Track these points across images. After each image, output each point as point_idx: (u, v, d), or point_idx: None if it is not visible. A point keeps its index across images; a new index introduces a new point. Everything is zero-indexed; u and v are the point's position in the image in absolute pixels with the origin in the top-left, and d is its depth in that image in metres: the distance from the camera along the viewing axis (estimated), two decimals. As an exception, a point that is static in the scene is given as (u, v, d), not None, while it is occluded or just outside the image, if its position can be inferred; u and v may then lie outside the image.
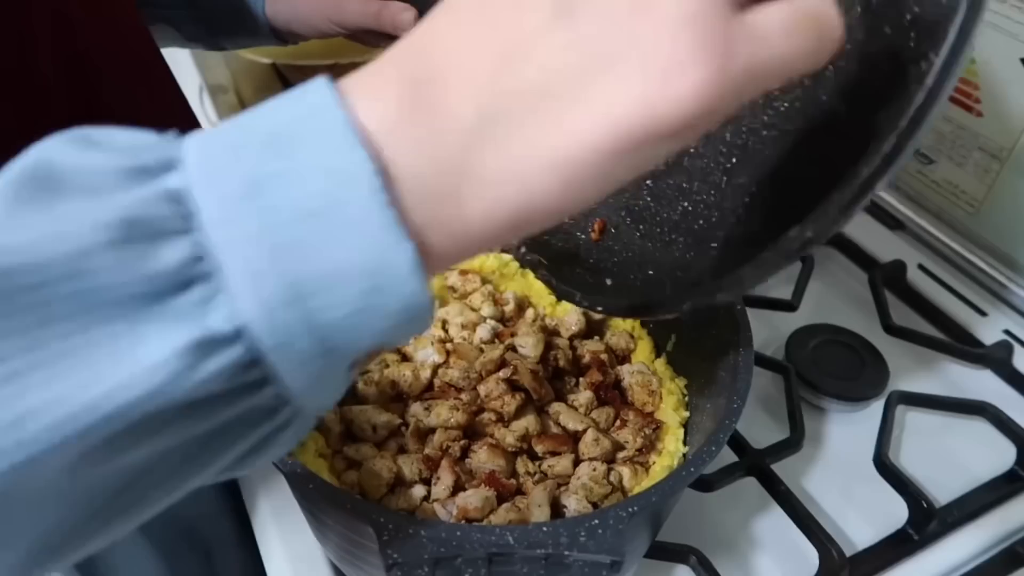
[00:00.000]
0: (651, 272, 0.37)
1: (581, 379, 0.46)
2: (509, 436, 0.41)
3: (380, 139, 0.19)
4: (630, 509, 0.31)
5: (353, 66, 0.77)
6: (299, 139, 0.19)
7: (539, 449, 0.42)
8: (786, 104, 0.33)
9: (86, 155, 0.19)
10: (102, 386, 0.18)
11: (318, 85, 0.20)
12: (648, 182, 0.39)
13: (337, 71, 0.71)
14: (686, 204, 0.37)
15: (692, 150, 0.37)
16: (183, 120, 0.47)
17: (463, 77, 0.19)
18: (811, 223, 0.25)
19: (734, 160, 0.35)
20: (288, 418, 0.21)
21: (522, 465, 0.41)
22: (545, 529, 0.30)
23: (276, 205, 0.18)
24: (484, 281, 0.51)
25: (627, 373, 0.46)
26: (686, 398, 0.46)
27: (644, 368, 0.46)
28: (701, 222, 0.36)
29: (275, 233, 0.18)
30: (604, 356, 0.47)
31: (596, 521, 0.30)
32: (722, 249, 0.34)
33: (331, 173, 0.19)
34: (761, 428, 0.52)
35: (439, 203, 0.20)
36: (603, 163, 0.19)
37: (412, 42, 0.21)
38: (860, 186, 0.24)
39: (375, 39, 0.60)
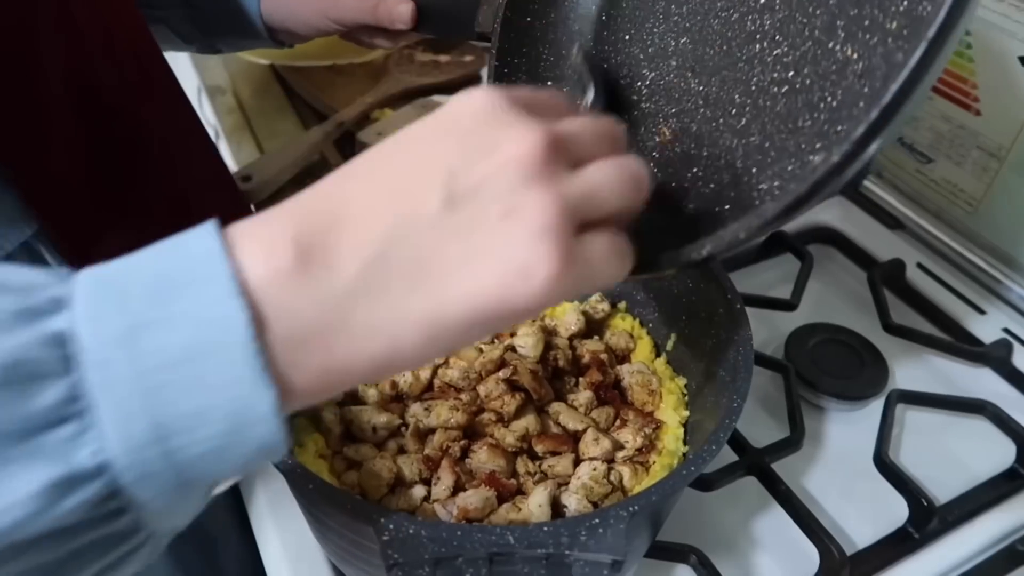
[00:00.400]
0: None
1: (581, 379, 0.46)
2: (509, 436, 0.41)
3: (261, 289, 0.21)
4: (631, 508, 0.31)
5: (351, 67, 0.77)
6: (182, 286, 0.21)
7: (539, 449, 0.42)
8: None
9: None
10: None
11: (208, 233, 0.22)
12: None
13: (334, 72, 0.72)
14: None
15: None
16: (185, 120, 0.47)
17: (353, 241, 0.22)
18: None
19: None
20: (142, 541, 0.22)
21: (522, 465, 0.41)
22: (546, 529, 0.30)
23: (150, 351, 0.20)
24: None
25: (627, 373, 0.46)
26: (686, 397, 0.46)
27: (644, 368, 0.46)
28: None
29: (145, 378, 0.20)
30: (604, 356, 0.47)
31: (597, 520, 0.30)
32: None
33: (206, 323, 0.20)
34: (761, 427, 0.52)
35: (310, 351, 0.22)
36: (463, 329, 0.23)
37: (311, 197, 0.24)
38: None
39: (371, 36, 0.59)
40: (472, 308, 0.23)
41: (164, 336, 0.20)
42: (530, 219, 0.23)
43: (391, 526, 0.30)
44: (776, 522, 0.48)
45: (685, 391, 0.46)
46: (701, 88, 0.37)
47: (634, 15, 0.42)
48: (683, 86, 0.38)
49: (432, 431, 0.42)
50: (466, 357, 0.45)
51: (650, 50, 0.40)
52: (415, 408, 0.43)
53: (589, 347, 0.47)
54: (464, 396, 0.43)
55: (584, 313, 0.49)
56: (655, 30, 0.40)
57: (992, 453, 0.52)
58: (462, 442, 0.42)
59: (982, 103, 0.63)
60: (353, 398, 0.45)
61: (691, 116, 0.37)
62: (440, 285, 0.23)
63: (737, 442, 0.50)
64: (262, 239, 0.22)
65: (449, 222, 0.23)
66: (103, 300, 0.20)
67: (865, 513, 0.49)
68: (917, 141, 0.69)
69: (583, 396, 0.45)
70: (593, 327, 0.50)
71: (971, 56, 0.62)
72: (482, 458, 0.41)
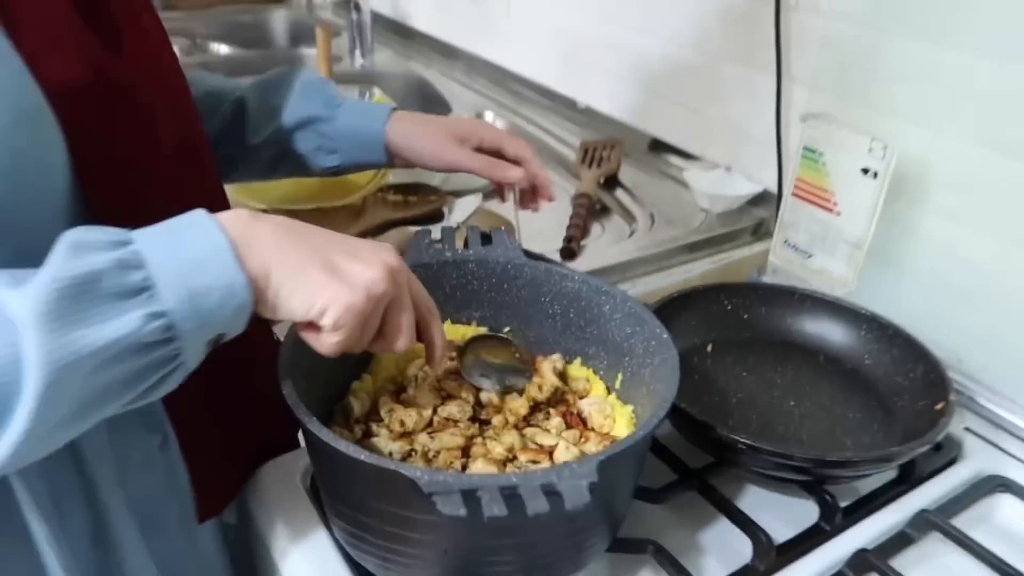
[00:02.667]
0: None
1: (552, 410, 0.58)
2: (498, 447, 0.52)
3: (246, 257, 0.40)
4: (602, 455, 0.43)
5: (335, 208, 0.96)
6: (214, 262, 0.39)
7: (523, 459, 0.53)
8: None
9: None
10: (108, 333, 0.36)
11: (216, 235, 0.40)
12: None
13: (320, 213, 0.90)
14: None
15: None
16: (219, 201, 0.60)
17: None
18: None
19: None
20: (176, 366, 0.39)
21: (511, 468, 0.52)
22: (541, 471, 0.41)
23: (185, 260, 0.38)
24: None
25: (586, 405, 0.58)
26: (635, 419, 0.58)
27: (599, 400, 0.59)
28: None
29: (182, 272, 0.38)
30: (569, 396, 0.59)
31: (577, 463, 0.42)
32: None
33: (219, 252, 0.39)
34: (698, 453, 0.64)
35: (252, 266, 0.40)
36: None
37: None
38: None
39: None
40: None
41: (197, 258, 0.38)
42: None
43: (425, 477, 0.40)
44: (715, 525, 0.59)
45: (634, 414, 0.58)
46: None
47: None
48: None
49: (437, 454, 0.53)
50: (463, 397, 0.57)
51: None
52: (422, 438, 0.54)
53: (557, 385, 0.59)
54: (461, 425, 0.55)
55: (553, 368, 0.62)
56: None
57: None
58: (462, 460, 0.52)
59: (840, 205, 0.81)
60: (368, 437, 0.55)
61: None
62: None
63: (681, 464, 0.62)
64: (240, 230, 0.40)
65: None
66: (160, 256, 0.38)
67: (785, 518, 0.60)
68: (799, 241, 0.86)
69: (554, 422, 0.56)
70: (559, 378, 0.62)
71: (826, 171, 0.81)
72: (479, 467, 0.51)
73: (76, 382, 0.35)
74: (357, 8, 1.58)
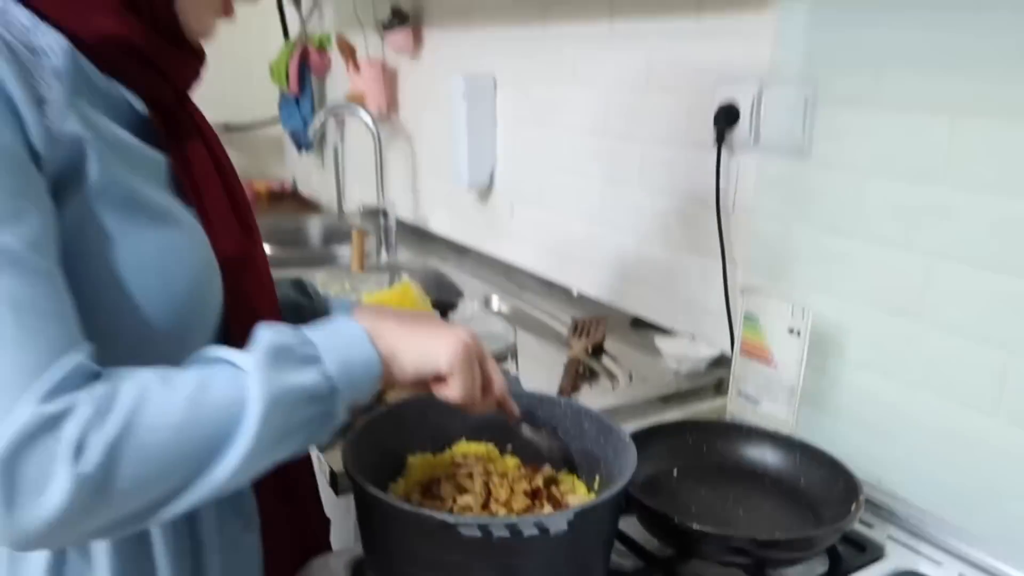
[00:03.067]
0: None
1: (545, 503, 0.74)
2: (501, 510, 0.69)
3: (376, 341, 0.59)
4: (579, 506, 0.59)
5: None
6: (357, 344, 0.58)
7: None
8: None
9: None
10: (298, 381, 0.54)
11: (357, 328, 0.59)
12: None
13: None
14: None
15: None
16: None
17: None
18: None
19: None
20: (334, 418, 0.55)
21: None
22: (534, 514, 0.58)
23: (348, 359, 0.57)
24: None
25: (572, 500, 0.75)
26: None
27: (582, 496, 0.75)
28: None
29: (341, 354, 0.56)
30: (557, 495, 0.76)
31: (561, 510, 0.58)
32: None
33: (359, 338, 0.59)
34: (662, 549, 0.78)
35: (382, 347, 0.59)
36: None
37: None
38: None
39: None
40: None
41: (349, 355, 0.56)
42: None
43: (452, 518, 0.57)
44: (678, 602, 0.73)
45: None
46: None
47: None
48: None
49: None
50: (477, 491, 0.74)
51: None
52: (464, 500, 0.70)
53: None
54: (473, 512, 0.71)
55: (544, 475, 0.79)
56: None
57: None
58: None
59: (776, 360, 1.01)
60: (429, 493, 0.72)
61: None
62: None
63: (648, 555, 0.77)
64: (371, 322, 0.60)
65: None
66: (324, 342, 0.56)
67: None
68: (748, 391, 1.05)
69: (546, 509, 0.72)
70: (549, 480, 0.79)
71: (763, 332, 1.02)
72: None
73: (278, 416, 0.52)
74: (384, 215, 1.89)
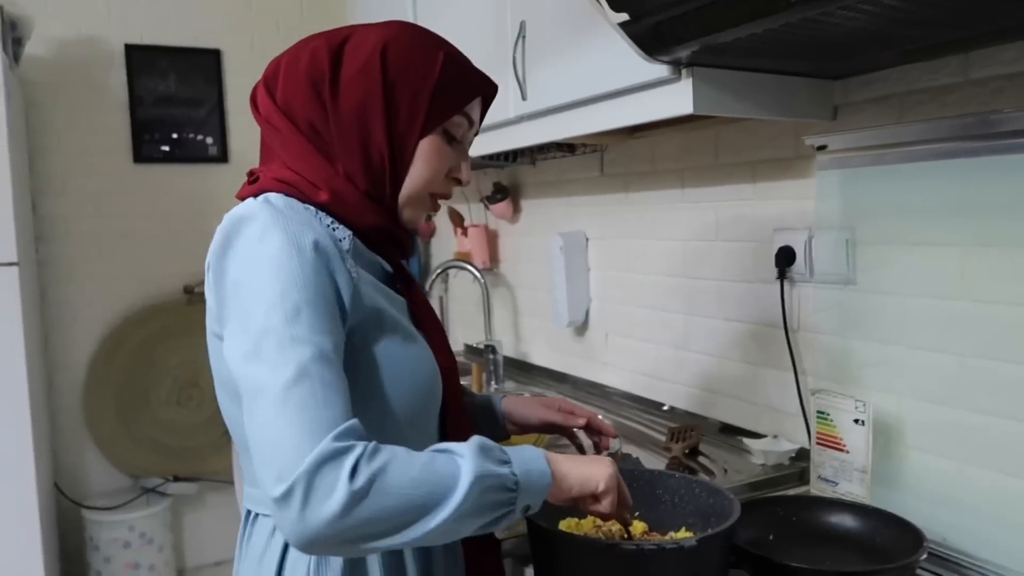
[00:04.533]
0: None
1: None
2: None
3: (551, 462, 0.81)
4: (698, 535, 0.85)
5: None
6: (535, 459, 0.79)
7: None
8: None
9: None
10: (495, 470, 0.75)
11: (536, 451, 0.80)
12: None
13: None
14: None
15: None
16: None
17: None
18: None
19: None
20: (512, 510, 0.75)
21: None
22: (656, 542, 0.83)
23: (526, 468, 0.77)
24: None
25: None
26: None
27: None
28: None
29: (527, 465, 0.77)
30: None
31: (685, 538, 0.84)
32: None
33: (539, 466, 0.79)
34: (769, 590, 1.01)
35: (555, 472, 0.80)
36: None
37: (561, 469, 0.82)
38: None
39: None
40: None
41: (529, 466, 0.77)
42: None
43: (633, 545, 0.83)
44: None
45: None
46: None
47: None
48: None
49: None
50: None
51: None
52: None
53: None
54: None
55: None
56: None
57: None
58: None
59: (848, 446, 1.24)
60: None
61: None
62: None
63: None
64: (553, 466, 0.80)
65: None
66: (514, 454, 0.77)
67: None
68: (826, 475, 1.28)
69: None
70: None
71: (834, 425, 1.26)
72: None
73: (477, 490, 0.70)
74: (493, 351, 2.21)
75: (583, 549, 0.87)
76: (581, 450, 1.17)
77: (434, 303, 2.86)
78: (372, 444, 0.70)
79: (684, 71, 1.17)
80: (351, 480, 0.66)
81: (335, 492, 0.66)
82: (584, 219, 2.01)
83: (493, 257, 2.42)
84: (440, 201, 0.95)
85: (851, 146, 1.25)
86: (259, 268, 0.74)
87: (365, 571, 0.85)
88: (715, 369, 1.63)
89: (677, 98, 1.19)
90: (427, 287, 2.41)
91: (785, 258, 1.40)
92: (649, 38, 1.10)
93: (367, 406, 0.82)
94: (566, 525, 1.03)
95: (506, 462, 0.75)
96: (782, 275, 1.41)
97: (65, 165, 2.74)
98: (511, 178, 2.30)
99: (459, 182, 0.95)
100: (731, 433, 1.58)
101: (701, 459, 1.51)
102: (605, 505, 0.82)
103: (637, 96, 1.27)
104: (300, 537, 0.67)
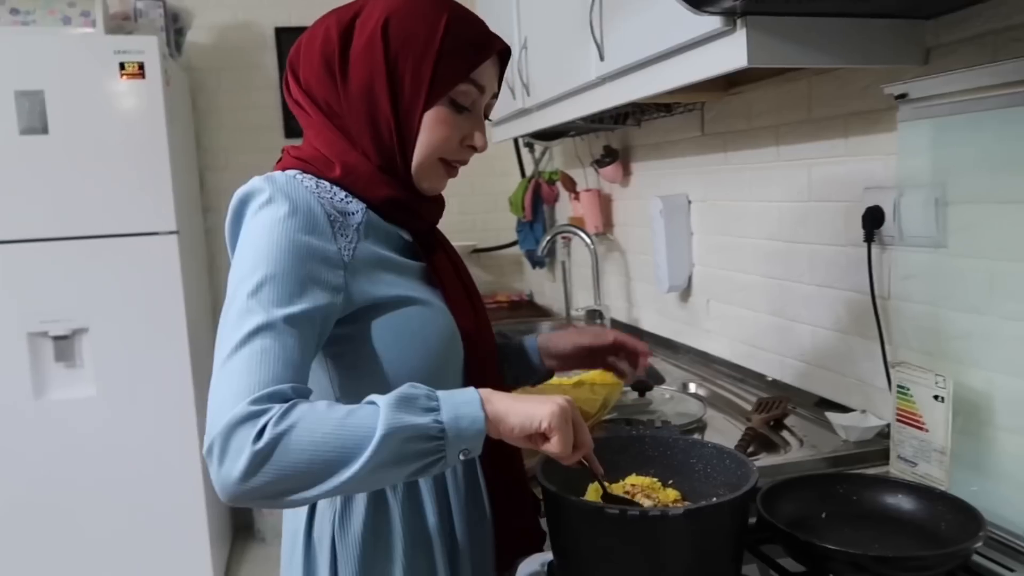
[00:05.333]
0: None
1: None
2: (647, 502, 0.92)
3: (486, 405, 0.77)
4: (696, 505, 0.83)
5: None
6: (468, 404, 0.77)
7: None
8: None
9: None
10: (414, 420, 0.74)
11: (474, 394, 0.78)
12: None
13: None
14: None
15: None
16: None
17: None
18: None
19: None
20: (438, 459, 0.74)
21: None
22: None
23: (457, 404, 0.76)
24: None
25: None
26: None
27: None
28: None
29: (454, 407, 0.75)
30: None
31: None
32: None
33: (473, 401, 0.77)
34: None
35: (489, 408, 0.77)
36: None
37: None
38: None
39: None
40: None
41: (459, 411, 0.75)
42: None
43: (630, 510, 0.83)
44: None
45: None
46: None
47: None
48: None
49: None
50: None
51: None
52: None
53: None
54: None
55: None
56: None
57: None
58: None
59: (927, 424, 1.14)
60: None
61: None
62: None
63: (786, 571, 0.95)
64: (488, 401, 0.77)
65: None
66: (446, 399, 0.76)
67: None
68: (906, 454, 1.18)
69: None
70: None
71: (914, 401, 1.16)
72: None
73: (394, 442, 0.71)
74: (600, 316, 2.21)
75: (572, 510, 0.88)
76: (622, 375, 1.16)
77: (556, 269, 2.89)
78: (286, 406, 0.72)
79: (738, 21, 1.10)
80: (255, 442, 0.70)
81: (241, 453, 0.69)
82: (687, 181, 1.94)
83: (607, 222, 2.40)
84: (464, 164, 0.97)
85: (937, 92, 1.12)
86: (245, 241, 0.81)
87: (390, 530, 0.92)
88: (808, 339, 1.53)
89: (731, 51, 1.12)
90: (540, 252, 2.44)
91: (873, 219, 1.28)
92: (690, -11, 1.05)
93: (376, 376, 0.87)
94: (594, 489, 1.04)
95: (432, 410, 0.75)
96: (869, 238, 1.30)
97: (228, 142, 3.05)
98: (622, 141, 2.26)
99: (474, 149, 0.96)
100: (827, 407, 1.48)
101: (784, 433, 1.44)
102: (554, 444, 0.78)
103: (695, 52, 1.21)
104: (221, 493, 0.72)
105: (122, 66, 2.31)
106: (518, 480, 1.01)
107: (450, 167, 0.95)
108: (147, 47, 2.32)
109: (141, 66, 2.32)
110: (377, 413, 0.73)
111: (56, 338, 2.33)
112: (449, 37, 0.88)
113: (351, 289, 0.85)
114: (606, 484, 0.94)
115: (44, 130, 2.29)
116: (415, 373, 0.88)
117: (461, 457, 0.76)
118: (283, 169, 0.92)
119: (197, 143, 3.01)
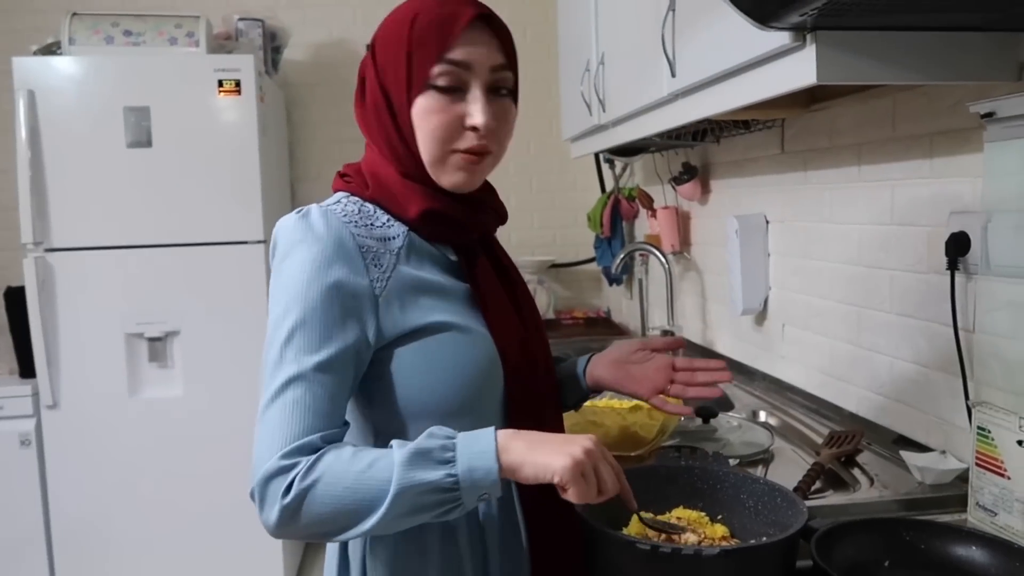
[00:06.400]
0: None
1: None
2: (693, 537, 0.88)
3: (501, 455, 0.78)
4: (741, 545, 0.78)
5: (627, 457, 1.43)
6: (483, 456, 0.78)
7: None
8: None
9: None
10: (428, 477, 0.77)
11: (491, 443, 0.78)
12: None
13: (618, 459, 1.37)
14: None
15: None
16: None
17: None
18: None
19: None
20: (456, 506, 0.77)
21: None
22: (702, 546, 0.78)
23: (471, 455, 0.77)
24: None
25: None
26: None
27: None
28: None
29: (471, 461, 0.76)
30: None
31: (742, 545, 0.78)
32: None
33: (488, 452, 0.77)
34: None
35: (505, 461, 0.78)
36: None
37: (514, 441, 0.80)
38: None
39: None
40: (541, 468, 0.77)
41: (473, 463, 0.77)
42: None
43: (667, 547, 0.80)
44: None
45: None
46: None
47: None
48: None
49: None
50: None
51: None
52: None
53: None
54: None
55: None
56: None
57: None
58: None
59: (1009, 471, 1.05)
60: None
61: None
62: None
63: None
64: (503, 448, 0.78)
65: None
66: (463, 450, 0.78)
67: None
68: (984, 504, 1.09)
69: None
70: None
71: (995, 445, 1.07)
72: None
73: (407, 497, 0.75)
74: (673, 335, 2.15)
75: (604, 542, 0.85)
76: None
77: (633, 286, 2.84)
78: (312, 460, 0.77)
79: (808, 37, 1.05)
80: (283, 496, 0.76)
81: (274, 505, 0.77)
82: (765, 200, 1.87)
83: (684, 240, 2.34)
84: (480, 156, 0.90)
85: (1028, 112, 1.03)
86: (277, 283, 0.85)
87: (423, 551, 0.91)
88: (886, 371, 1.44)
89: (800, 68, 1.07)
90: (615, 270, 2.41)
91: (957, 246, 1.20)
92: (753, 5, 1.01)
93: (407, 406, 0.88)
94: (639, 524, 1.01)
95: (447, 462, 0.77)
96: (953, 265, 1.21)
97: (320, 154, 3.17)
98: (700, 158, 2.21)
99: (475, 129, 0.88)
100: (904, 444, 1.39)
101: (855, 470, 1.35)
102: (571, 495, 0.77)
103: (765, 68, 1.17)
104: (266, 529, 0.79)
105: (220, 83, 2.44)
106: (560, 512, 0.95)
107: (466, 157, 0.89)
108: (244, 65, 2.44)
109: (238, 83, 2.44)
110: (392, 468, 0.76)
111: (150, 339, 2.47)
112: (416, 30, 0.87)
113: (382, 323, 0.85)
114: (650, 515, 0.91)
115: (148, 143, 2.43)
116: (448, 404, 0.87)
117: (480, 502, 0.79)
118: (335, 189, 0.96)
119: (290, 155, 3.14)
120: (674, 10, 1.46)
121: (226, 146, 2.46)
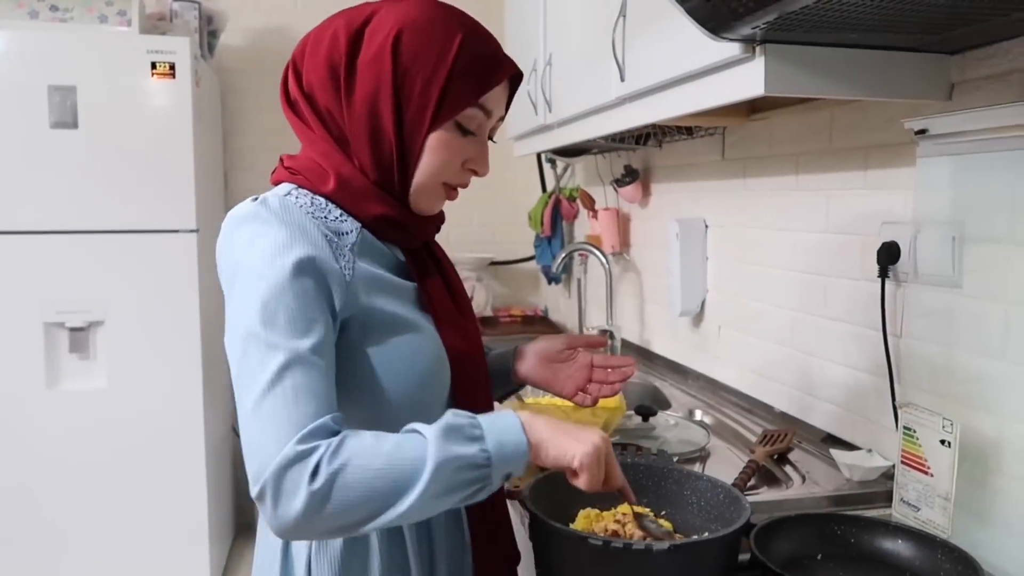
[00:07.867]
0: None
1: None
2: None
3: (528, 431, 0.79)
4: (688, 540, 0.81)
5: None
6: (511, 431, 0.78)
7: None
8: None
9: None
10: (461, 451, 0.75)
11: (515, 420, 0.80)
12: None
13: None
14: None
15: None
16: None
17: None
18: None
19: None
20: (486, 484, 0.76)
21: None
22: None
23: (500, 430, 0.77)
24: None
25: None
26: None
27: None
28: None
29: (500, 437, 0.77)
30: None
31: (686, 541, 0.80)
32: None
33: (515, 427, 0.79)
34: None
35: (532, 435, 0.79)
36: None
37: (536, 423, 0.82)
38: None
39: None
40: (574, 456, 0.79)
41: (503, 438, 0.77)
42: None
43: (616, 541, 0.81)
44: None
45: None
46: None
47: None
48: None
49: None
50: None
51: None
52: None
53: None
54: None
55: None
56: None
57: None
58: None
59: (932, 469, 1.11)
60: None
61: None
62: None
63: None
64: (529, 427, 0.79)
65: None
66: (489, 426, 0.78)
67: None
68: (908, 500, 1.15)
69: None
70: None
71: (919, 444, 1.13)
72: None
73: (445, 473, 0.72)
74: (611, 336, 2.19)
75: (556, 537, 0.86)
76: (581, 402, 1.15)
77: (571, 286, 2.88)
78: (336, 441, 0.72)
79: (757, 49, 1.09)
80: (311, 482, 0.70)
81: (298, 494, 0.70)
82: (705, 205, 1.92)
83: (624, 241, 2.39)
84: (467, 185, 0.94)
85: (958, 129, 1.09)
86: (248, 273, 0.78)
87: (367, 552, 0.89)
88: (818, 373, 1.50)
89: (749, 78, 1.11)
90: (555, 269, 2.43)
91: (888, 255, 1.26)
92: (707, 16, 1.04)
93: (363, 396, 0.85)
94: (584, 515, 1.02)
95: (477, 438, 0.75)
96: (884, 273, 1.27)
97: (255, 143, 3.08)
98: (643, 161, 2.25)
99: (475, 173, 0.93)
100: (834, 443, 1.45)
101: (787, 468, 1.41)
102: (582, 481, 0.80)
103: (713, 77, 1.20)
104: (278, 532, 0.72)
105: (154, 65, 2.35)
106: (500, 511, 0.99)
107: (450, 189, 0.93)
108: (179, 48, 2.36)
109: (172, 66, 2.35)
110: (425, 444, 0.73)
111: (72, 329, 2.36)
112: (461, 58, 0.85)
113: (355, 306, 0.84)
114: (641, 509, 0.94)
115: (74, 124, 2.32)
116: (402, 399, 0.87)
117: (501, 481, 0.77)
118: (277, 181, 0.91)
119: (224, 144, 3.04)
120: (625, 16, 1.49)
121: (158, 131, 2.37)
